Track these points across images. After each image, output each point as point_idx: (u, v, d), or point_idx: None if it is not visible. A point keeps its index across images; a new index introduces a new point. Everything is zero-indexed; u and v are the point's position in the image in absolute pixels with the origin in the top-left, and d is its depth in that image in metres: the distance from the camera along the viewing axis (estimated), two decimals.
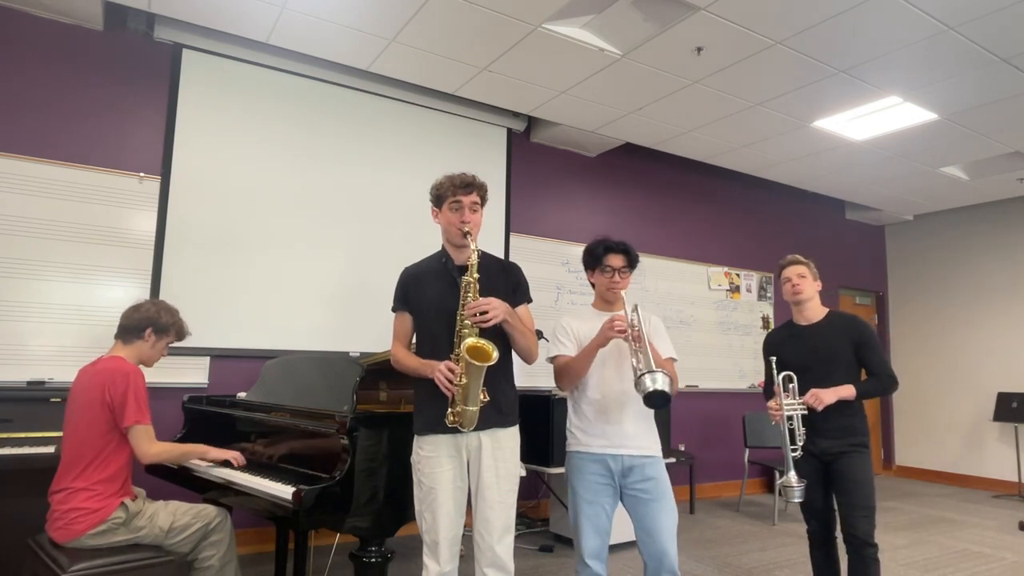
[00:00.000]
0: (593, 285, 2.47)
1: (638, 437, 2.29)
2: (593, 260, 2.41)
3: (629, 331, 2.13)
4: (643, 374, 2.03)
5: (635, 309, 2.20)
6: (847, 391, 2.60)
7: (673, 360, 2.35)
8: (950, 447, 6.97)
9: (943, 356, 7.08)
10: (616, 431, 2.28)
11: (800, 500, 2.52)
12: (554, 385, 4.43)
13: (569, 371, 2.30)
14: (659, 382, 1.99)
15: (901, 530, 4.83)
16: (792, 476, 2.50)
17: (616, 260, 2.35)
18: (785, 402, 2.58)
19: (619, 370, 2.30)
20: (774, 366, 2.66)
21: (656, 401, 2.02)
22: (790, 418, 2.57)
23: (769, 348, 2.86)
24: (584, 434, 2.33)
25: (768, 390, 2.79)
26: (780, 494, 2.53)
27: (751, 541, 4.45)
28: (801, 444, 2.57)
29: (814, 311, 2.77)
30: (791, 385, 2.63)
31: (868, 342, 2.68)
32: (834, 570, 2.75)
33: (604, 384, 2.31)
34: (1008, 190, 6.34)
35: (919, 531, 4.81)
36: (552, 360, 2.38)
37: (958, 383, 6.95)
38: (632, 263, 2.37)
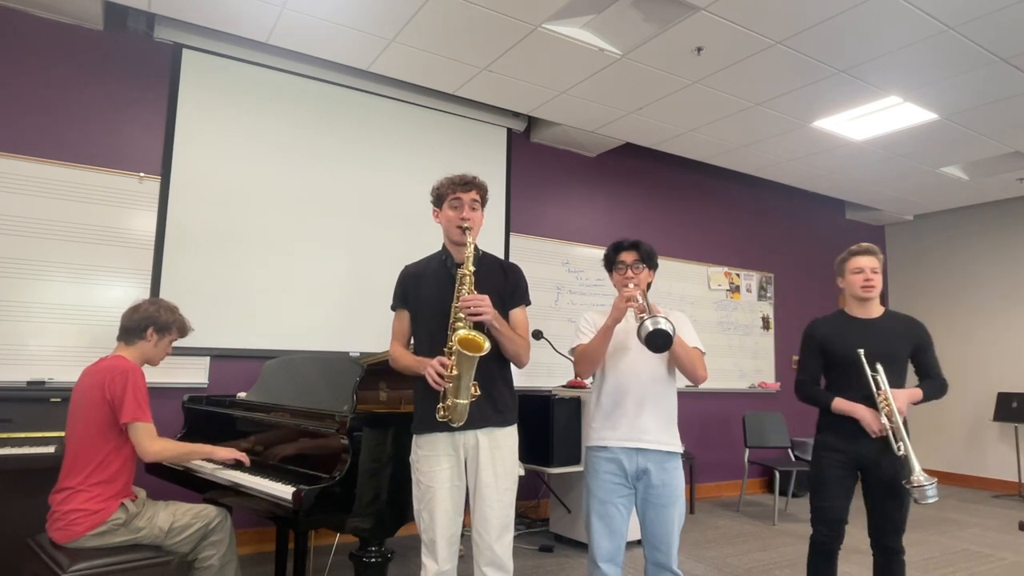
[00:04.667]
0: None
1: (655, 431, 2.27)
2: (608, 262, 2.44)
3: (635, 302, 2.13)
4: (645, 319, 2.00)
5: (642, 293, 2.21)
6: (916, 394, 2.45)
7: (700, 351, 2.32)
8: (950, 447, 6.96)
9: (943, 356, 6.92)
10: (632, 424, 2.26)
11: (935, 499, 2.25)
12: (554, 385, 4.46)
13: (587, 354, 2.29)
14: (660, 323, 1.98)
15: None
16: (920, 474, 2.24)
17: (627, 256, 2.37)
18: (881, 400, 2.37)
19: (636, 363, 2.29)
20: (863, 357, 2.41)
21: (658, 342, 1.99)
22: (888, 416, 2.37)
23: (817, 336, 2.65)
24: (600, 427, 2.32)
25: (804, 388, 2.65)
26: (913, 499, 2.32)
27: (751, 541, 4.45)
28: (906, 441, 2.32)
29: (875, 308, 2.60)
30: (883, 380, 2.40)
31: (929, 345, 2.55)
32: None
33: (621, 375, 2.31)
34: (1008, 190, 6.34)
35: (919, 531, 4.81)
36: (573, 351, 2.39)
37: (958, 383, 6.88)
38: (644, 258, 2.36)
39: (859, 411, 2.48)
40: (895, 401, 2.38)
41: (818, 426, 2.66)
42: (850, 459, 2.51)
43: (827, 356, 2.64)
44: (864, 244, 2.63)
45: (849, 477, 2.53)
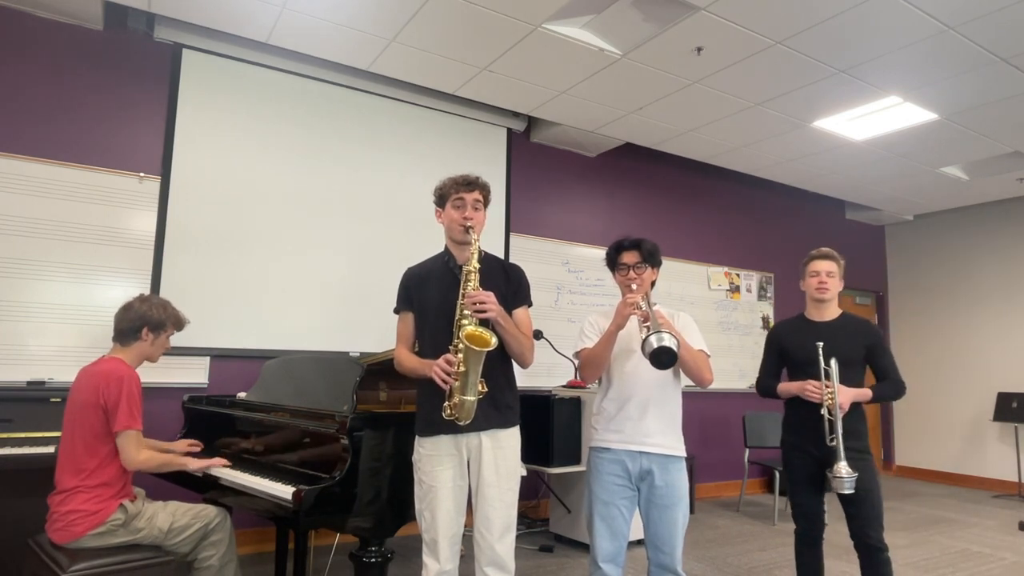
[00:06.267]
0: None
1: (659, 435, 2.27)
2: (610, 262, 2.43)
3: (638, 309, 2.12)
4: (649, 335, 2.00)
5: (644, 297, 2.19)
6: (864, 394, 2.54)
7: (706, 355, 2.32)
8: (950, 447, 6.96)
9: (943, 356, 7.07)
10: (635, 427, 2.26)
11: (851, 491, 2.39)
12: (554, 385, 4.46)
13: (592, 359, 2.28)
14: (664, 339, 1.97)
15: (901, 530, 4.83)
16: (843, 466, 2.38)
17: (629, 257, 2.35)
18: (827, 391, 2.50)
19: (641, 367, 2.27)
20: (821, 353, 2.53)
21: (663, 359, 1.99)
22: (830, 408, 2.49)
23: (777, 338, 2.82)
24: (604, 429, 2.32)
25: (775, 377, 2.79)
26: (829, 486, 2.50)
27: (751, 541, 4.45)
28: (838, 436, 2.43)
29: (831, 310, 2.73)
30: (834, 374, 2.52)
31: (881, 345, 2.65)
32: (820, 571, 2.73)
33: (626, 379, 2.30)
34: (1008, 190, 6.34)
35: (919, 531, 4.81)
36: (577, 355, 2.37)
37: (958, 383, 6.94)
38: (647, 257, 2.34)
39: (793, 387, 2.64)
40: (839, 395, 2.48)
41: (782, 425, 2.80)
42: (812, 458, 2.60)
43: (785, 357, 2.78)
44: (824, 249, 2.77)
45: (816, 474, 2.62)
